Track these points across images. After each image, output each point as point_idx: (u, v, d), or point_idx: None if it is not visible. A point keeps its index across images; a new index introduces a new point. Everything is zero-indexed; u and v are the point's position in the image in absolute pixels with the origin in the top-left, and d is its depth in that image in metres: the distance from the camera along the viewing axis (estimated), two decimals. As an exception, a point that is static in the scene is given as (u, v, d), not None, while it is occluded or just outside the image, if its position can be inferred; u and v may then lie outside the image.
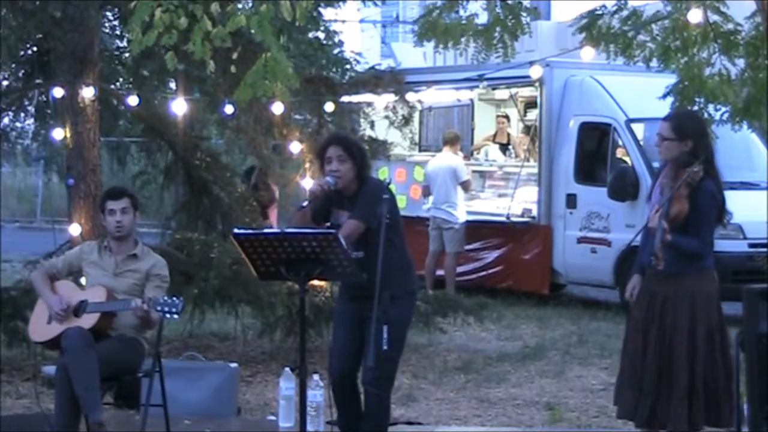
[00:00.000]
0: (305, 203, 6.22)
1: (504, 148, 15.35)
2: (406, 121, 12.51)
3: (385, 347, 5.69)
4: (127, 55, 10.95)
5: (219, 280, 9.34)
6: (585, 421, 8.07)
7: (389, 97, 12.13)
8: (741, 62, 8.26)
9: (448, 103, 15.54)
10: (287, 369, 7.43)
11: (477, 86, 14.51)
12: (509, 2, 8.40)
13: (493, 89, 15.13)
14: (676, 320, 6.19)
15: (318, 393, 7.26)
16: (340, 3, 15.86)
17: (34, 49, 10.50)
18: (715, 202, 6.25)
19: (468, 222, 14.01)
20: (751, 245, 12.21)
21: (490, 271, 14.38)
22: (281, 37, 8.47)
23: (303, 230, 5.88)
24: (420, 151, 15.69)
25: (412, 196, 14.75)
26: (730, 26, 8.08)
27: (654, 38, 8.26)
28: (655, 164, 10.45)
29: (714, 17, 8.07)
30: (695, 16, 7.96)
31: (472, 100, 15.53)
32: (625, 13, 8.37)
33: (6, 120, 11.09)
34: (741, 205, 10.17)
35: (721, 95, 7.99)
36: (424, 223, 14.05)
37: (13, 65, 10.63)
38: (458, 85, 14.86)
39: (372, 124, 12.53)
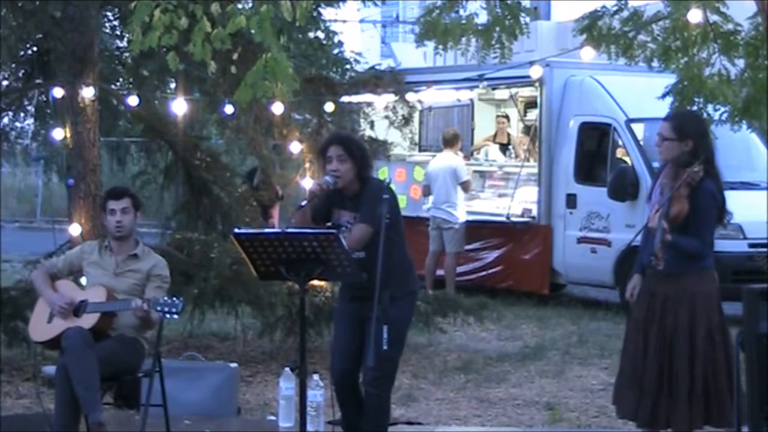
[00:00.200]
0: (304, 202, 6.22)
1: (504, 148, 15.35)
2: (406, 121, 12.51)
3: (385, 347, 5.69)
4: (127, 55, 10.94)
5: (219, 280, 9.34)
6: (585, 421, 8.07)
7: (389, 97, 12.13)
8: (741, 62, 8.25)
9: (448, 103, 15.54)
10: (287, 369, 7.43)
11: (477, 86, 14.51)
12: (508, 2, 8.39)
13: (493, 89, 15.13)
14: (677, 320, 6.19)
15: (318, 393, 7.26)
16: (340, 3, 15.86)
17: (34, 49, 10.50)
18: (715, 202, 6.25)
19: (468, 222, 14.01)
20: (751, 245, 12.21)
21: (490, 271, 14.38)
22: (281, 38, 8.46)
23: (303, 230, 5.88)
24: (420, 151, 15.69)
25: (412, 196, 14.76)
26: (730, 26, 8.07)
27: (655, 38, 8.26)
28: (655, 164, 10.45)
29: (714, 17, 8.06)
30: (695, 16, 7.96)
31: (472, 100, 15.53)
32: (625, 13, 8.37)
33: (6, 120, 11.09)
34: (741, 205, 10.16)
35: (720, 95, 7.99)
36: (424, 223, 14.05)
37: (13, 65, 10.63)
38: (458, 85, 14.85)
39: (372, 124, 12.53)
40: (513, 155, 15.17)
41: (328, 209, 6.24)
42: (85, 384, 6.38)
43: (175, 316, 6.47)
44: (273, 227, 12.85)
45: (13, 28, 9.79)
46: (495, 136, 15.42)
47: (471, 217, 14.13)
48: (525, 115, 15.32)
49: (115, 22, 11.72)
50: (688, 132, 6.27)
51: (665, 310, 6.21)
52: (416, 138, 15.26)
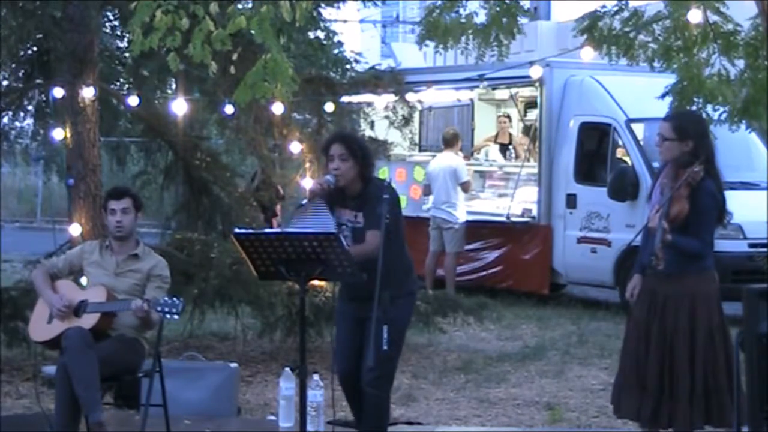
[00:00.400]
0: (305, 201, 6.23)
1: (504, 148, 15.34)
2: (406, 121, 12.52)
3: (385, 347, 5.69)
4: (127, 55, 10.94)
5: (219, 280, 9.34)
6: (585, 421, 8.07)
7: (389, 97, 12.14)
8: (740, 63, 8.26)
9: (448, 103, 15.53)
10: (287, 369, 7.43)
11: (477, 86, 14.51)
12: (507, 2, 8.40)
13: (493, 89, 15.13)
14: (677, 320, 6.19)
15: (318, 393, 7.26)
16: (340, 3, 15.84)
17: (34, 49, 10.49)
18: (715, 202, 6.25)
19: (468, 222, 14.01)
20: (751, 245, 12.21)
21: (490, 271, 14.38)
22: (281, 38, 8.46)
23: (303, 230, 5.89)
24: (420, 151, 15.69)
25: (412, 196, 14.76)
26: (730, 27, 8.07)
27: (656, 38, 8.26)
28: (655, 164, 10.46)
29: (714, 18, 8.06)
30: (695, 16, 7.96)
31: (472, 100, 15.53)
32: (626, 14, 8.37)
33: (6, 119, 11.08)
34: (741, 205, 10.18)
35: (719, 95, 7.99)
36: (424, 223, 14.04)
37: (13, 65, 10.62)
38: (458, 85, 14.85)
39: (372, 124, 12.54)
40: (513, 155, 15.16)
41: (330, 208, 6.24)
42: (85, 384, 6.38)
43: (176, 317, 6.47)
44: (279, 226, 12.88)
45: (13, 28, 9.78)
46: (497, 136, 15.42)
47: (471, 217, 14.14)
48: (525, 115, 15.32)
49: (115, 22, 11.71)
50: (688, 132, 6.27)
51: (665, 310, 6.22)
52: (416, 138, 15.28)
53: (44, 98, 10.71)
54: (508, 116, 15.42)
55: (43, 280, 6.87)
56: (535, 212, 13.97)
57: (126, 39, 10.69)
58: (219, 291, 9.42)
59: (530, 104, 14.99)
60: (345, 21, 21.33)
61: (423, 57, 25.11)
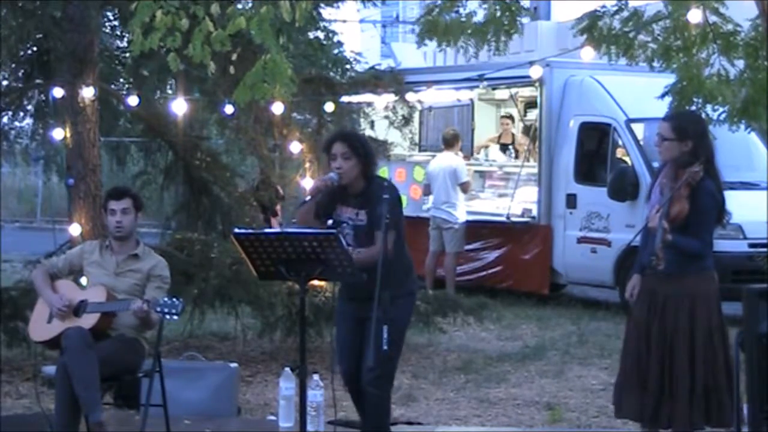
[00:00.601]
0: (308, 198, 6.23)
1: (505, 148, 15.33)
2: (406, 121, 12.53)
3: (385, 347, 5.69)
4: (127, 55, 10.94)
5: (219, 280, 9.34)
6: (585, 421, 8.07)
7: (389, 97, 12.15)
8: (740, 63, 8.26)
9: (448, 103, 15.53)
10: (287, 369, 7.44)
11: (477, 86, 14.51)
12: (507, 1, 8.40)
13: (493, 89, 15.12)
14: (677, 320, 6.19)
15: (318, 393, 7.26)
16: (339, 3, 15.84)
17: (34, 49, 10.49)
18: (715, 202, 6.25)
19: (468, 222, 14.01)
20: (751, 245, 12.21)
21: (490, 271, 14.38)
22: (281, 38, 8.46)
23: (303, 230, 5.89)
24: (420, 151, 15.68)
25: (412, 196, 14.75)
26: (730, 27, 8.07)
27: (655, 38, 8.26)
28: (655, 164, 10.45)
29: (713, 18, 8.07)
30: (695, 16, 7.96)
31: (472, 100, 15.52)
32: (625, 13, 8.37)
33: (5, 119, 11.08)
34: (741, 205, 10.18)
35: (719, 95, 8.00)
36: (424, 223, 14.04)
37: (13, 65, 10.62)
38: (458, 85, 14.85)
39: (372, 124, 12.54)
40: (513, 155, 15.15)
41: (332, 206, 6.25)
42: (85, 384, 6.38)
43: (175, 317, 6.47)
44: (280, 224, 12.88)
45: (13, 28, 9.78)
46: (500, 137, 15.41)
47: (471, 217, 14.14)
48: (525, 115, 15.32)
49: (115, 22, 11.70)
50: (688, 132, 6.27)
51: (665, 310, 6.22)
52: (416, 138, 15.28)
53: (44, 98, 10.71)
54: (512, 117, 15.41)
55: (43, 280, 6.87)
56: (535, 212, 13.97)
57: (126, 39, 10.70)
58: (219, 291, 9.42)
59: (530, 104, 14.98)
60: (344, 21, 21.30)
61: (423, 57, 25.12)
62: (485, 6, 8.50)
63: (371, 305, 5.67)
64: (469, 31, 8.38)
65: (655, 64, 8.35)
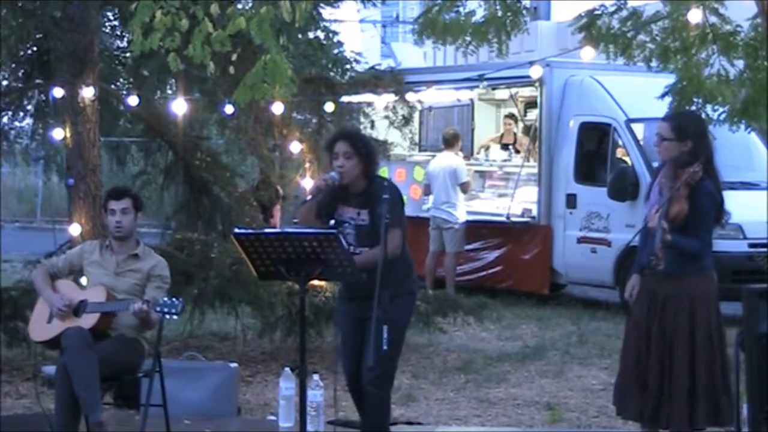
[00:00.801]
0: (309, 197, 6.24)
1: (506, 147, 15.32)
2: (406, 121, 12.52)
3: (385, 347, 5.69)
4: (127, 55, 10.93)
5: (219, 280, 9.34)
6: (585, 421, 8.07)
7: (389, 97, 12.14)
8: (740, 63, 8.25)
9: (448, 103, 15.53)
10: (287, 369, 7.44)
11: (477, 86, 14.51)
12: (508, 1, 8.40)
13: (493, 89, 15.12)
14: (676, 321, 6.20)
15: (318, 393, 7.26)
16: (339, 3, 15.84)
17: (34, 49, 10.49)
18: (714, 202, 6.25)
19: (468, 222, 14.01)
20: (751, 245, 12.21)
21: (490, 271, 14.38)
22: (281, 38, 8.47)
23: (303, 230, 5.89)
24: (420, 151, 15.68)
25: (412, 196, 14.74)
26: (729, 28, 8.07)
27: (654, 38, 8.26)
28: (655, 164, 10.44)
29: (713, 19, 8.07)
30: (695, 16, 7.96)
31: (472, 100, 15.52)
32: (624, 13, 8.37)
33: (5, 119, 11.08)
34: (741, 205, 10.18)
35: (719, 96, 8.00)
36: (424, 223, 14.04)
37: (13, 65, 10.62)
38: (458, 85, 14.84)
39: (372, 124, 12.53)
40: (513, 154, 15.14)
41: (334, 205, 6.25)
42: (85, 384, 6.38)
43: (175, 317, 6.47)
44: (274, 227, 12.86)
45: (13, 28, 9.78)
46: (502, 137, 15.40)
47: (471, 217, 14.14)
48: (525, 115, 15.32)
49: (115, 22, 11.69)
50: (687, 132, 6.27)
51: (665, 310, 6.22)
52: (416, 138, 15.28)
53: (44, 98, 10.71)
54: (514, 117, 15.40)
55: (43, 280, 6.87)
56: (535, 212, 13.97)
57: (126, 39, 10.69)
58: (219, 291, 9.42)
59: (530, 104, 14.98)
60: (342, 21, 21.28)
61: (423, 57, 25.12)
62: (485, 6, 8.50)
63: (371, 304, 5.67)
64: (469, 31, 8.37)
65: (652, 64, 8.34)
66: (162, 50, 7.51)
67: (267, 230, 7.05)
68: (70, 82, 9.76)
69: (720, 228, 6.67)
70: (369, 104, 12.61)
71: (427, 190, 14.26)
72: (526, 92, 14.85)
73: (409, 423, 7.91)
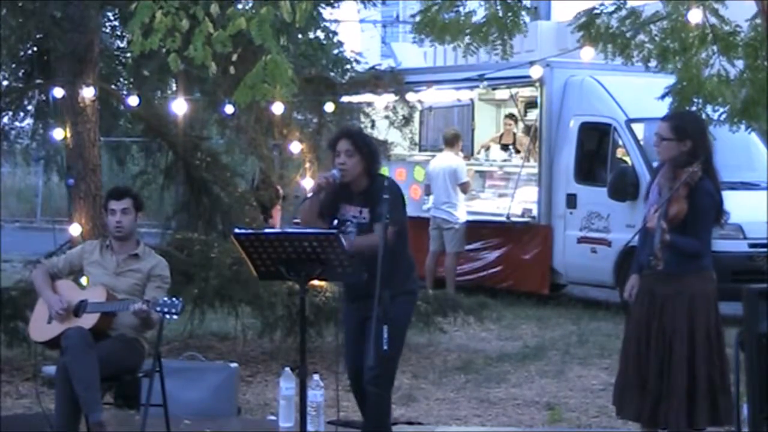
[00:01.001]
0: (310, 194, 6.25)
1: (505, 148, 15.32)
2: (406, 121, 12.52)
3: (385, 347, 5.69)
4: (128, 55, 10.94)
5: (219, 280, 9.34)
6: (585, 421, 8.07)
7: (389, 97, 12.14)
8: (740, 63, 8.25)
9: (448, 103, 15.53)
10: (287, 369, 7.44)
11: (477, 86, 14.51)
12: (509, 1, 8.40)
13: (493, 89, 15.12)
14: (676, 320, 6.20)
15: (318, 393, 7.26)
16: (338, 3, 15.86)
17: (34, 49, 10.49)
18: (713, 202, 6.26)
19: (468, 222, 14.01)
20: (751, 245, 12.21)
21: (490, 271, 14.38)
22: (281, 38, 8.47)
23: (303, 230, 5.89)
24: (420, 151, 15.68)
25: (412, 196, 14.74)
26: (728, 29, 8.07)
27: (653, 39, 8.26)
28: (656, 164, 10.45)
29: (713, 20, 8.06)
30: (695, 16, 7.96)
31: (472, 100, 15.52)
32: (623, 12, 8.36)
33: (6, 119, 11.08)
34: (741, 205, 10.17)
35: (719, 96, 7.99)
36: (424, 223, 14.04)
37: (13, 65, 10.63)
38: (458, 85, 14.84)
39: (372, 124, 12.52)
40: (513, 154, 15.14)
41: (336, 204, 6.25)
42: (86, 384, 6.38)
43: (175, 317, 6.47)
44: (273, 227, 12.86)
45: (13, 28, 9.78)
46: (501, 137, 15.40)
47: (471, 217, 14.14)
48: (525, 115, 15.32)
49: (115, 22, 11.71)
50: (686, 132, 6.27)
51: (664, 310, 6.22)
52: (416, 138, 15.26)
53: (44, 98, 10.71)
54: (514, 117, 15.39)
55: (43, 280, 6.87)
56: (535, 212, 13.97)
57: (126, 39, 10.69)
58: (219, 291, 9.43)
59: (530, 104, 14.98)
60: (342, 21, 21.31)
61: (423, 57, 25.12)
62: (485, 5, 8.50)
63: (371, 303, 5.68)
64: (468, 30, 8.37)
65: (651, 64, 8.34)
66: (162, 50, 7.51)
67: (267, 230, 7.06)
68: (70, 82, 9.76)
69: (719, 228, 6.67)
70: (369, 104, 12.60)
71: (428, 190, 14.26)
72: (527, 92, 14.85)
73: (410, 423, 7.91)
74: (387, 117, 12.44)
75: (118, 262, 6.86)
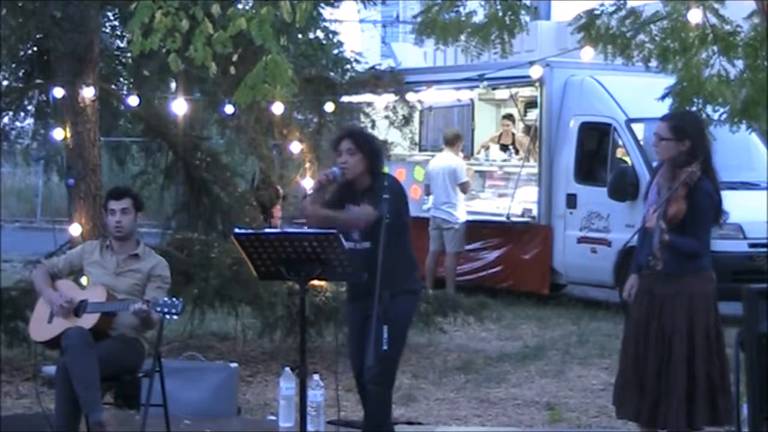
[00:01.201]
0: (311, 191, 6.26)
1: (505, 148, 15.32)
2: (406, 121, 12.53)
3: (384, 347, 5.69)
4: (128, 55, 10.94)
5: (219, 280, 9.34)
6: (585, 421, 8.07)
7: (389, 97, 12.15)
8: (740, 63, 8.25)
9: (448, 103, 15.53)
10: (287, 369, 7.44)
11: (477, 86, 14.51)
12: (509, 1, 8.40)
13: (493, 89, 15.12)
14: (675, 320, 6.20)
15: (318, 393, 7.26)
16: (338, 3, 15.87)
17: (34, 49, 10.49)
18: (712, 202, 6.26)
19: (468, 222, 14.01)
20: (751, 245, 12.22)
21: (490, 271, 14.38)
22: (281, 39, 8.48)
23: (303, 230, 5.90)
24: (420, 151, 15.68)
25: (412, 196, 14.73)
26: (728, 29, 8.07)
27: (653, 39, 8.26)
28: (655, 164, 10.45)
29: (713, 19, 8.06)
30: (695, 16, 7.96)
31: (472, 100, 15.52)
32: (623, 13, 8.37)
33: (6, 119, 11.08)
34: (741, 205, 10.18)
35: (719, 96, 8.00)
36: (424, 223, 14.04)
37: (13, 65, 10.63)
38: (458, 85, 14.85)
39: (372, 124, 12.53)
40: (512, 154, 15.14)
41: (341, 203, 6.26)
42: (86, 384, 6.38)
43: (175, 317, 6.47)
44: (275, 227, 12.87)
45: (13, 28, 9.78)
46: (500, 137, 15.41)
47: (471, 217, 14.14)
48: (525, 115, 15.32)
49: (115, 22, 11.71)
50: (686, 132, 6.27)
51: (664, 310, 6.22)
52: (416, 138, 15.27)
53: (44, 98, 10.71)
54: (511, 117, 15.39)
55: (43, 280, 6.87)
56: (535, 212, 13.97)
57: (126, 39, 10.70)
58: (219, 291, 9.43)
59: (530, 104, 14.98)
60: (342, 21, 21.31)
61: (423, 57, 25.10)
62: (486, 5, 8.50)
63: (372, 302, 5.68)
64: (469, 30, 8.38)
65: (651, 64, 8.34)
66: (162, 50, 7.52)
67: (267, 230, 7.07)
68: (70, 82, 9.76)
69: (718, 228, 6.67)
70: (369, 104, 12.61)
71: (427, 190, 14.26)
72: (526, 92, 14.85)
73: (410, 423, 7.91)
74: (387, 117, 12.45)
75: (118, 262, 6.86)
